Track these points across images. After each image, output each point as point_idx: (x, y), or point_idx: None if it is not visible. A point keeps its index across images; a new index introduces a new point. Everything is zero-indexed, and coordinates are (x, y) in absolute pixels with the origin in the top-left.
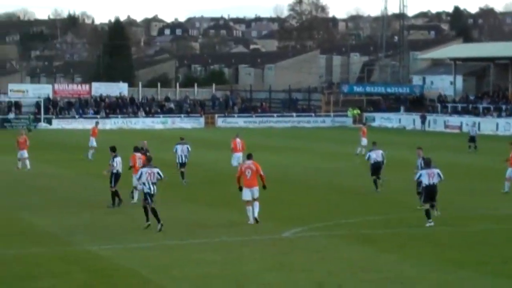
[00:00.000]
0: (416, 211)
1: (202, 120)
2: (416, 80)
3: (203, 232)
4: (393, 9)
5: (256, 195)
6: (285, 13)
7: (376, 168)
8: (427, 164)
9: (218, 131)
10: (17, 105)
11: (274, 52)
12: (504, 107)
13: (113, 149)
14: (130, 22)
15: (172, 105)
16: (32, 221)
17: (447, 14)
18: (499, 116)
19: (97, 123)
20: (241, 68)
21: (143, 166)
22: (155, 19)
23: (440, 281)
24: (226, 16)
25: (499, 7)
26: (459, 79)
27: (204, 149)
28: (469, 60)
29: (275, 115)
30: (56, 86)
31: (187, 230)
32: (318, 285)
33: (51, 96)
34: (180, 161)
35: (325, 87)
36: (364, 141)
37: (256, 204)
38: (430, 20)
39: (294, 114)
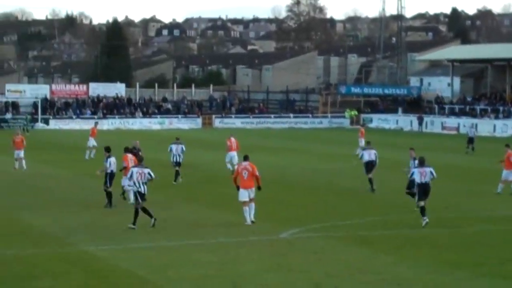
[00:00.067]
0: (413, 212)
1: (199, 120)
2: (414, 81)
3: (201, 232)
4: (391, 10)
5: (252, 195)
6: (283, 14)
7: (369, 166)
8: (421, 163)
9: (215, 131)
10: (15, 105)
11: (271, 53)
12: (501, 108)
13: (107, 149)
14: (128, 23)
15: (169, 106)
16: (31, 221)
17: (445, 15)
18: (497, 117)
19: (96, 123)
20: (239, 68)
21: (134, 165)
22: (153, 19)
23: (437, 282)
24: (224, 17)
25: (497, 9)
26: (457, 81)
27: (201, 149)
28: (466, 61)
29: (272, 116)
30: (53, 86)
31: (184, 230)
32: (315, 286)
33: (48, 97)
34: (175, 160)
35: (322, 88)
36: (363, 142)
37: (252, 205)
38: (428, 22)
39: (292, 115)
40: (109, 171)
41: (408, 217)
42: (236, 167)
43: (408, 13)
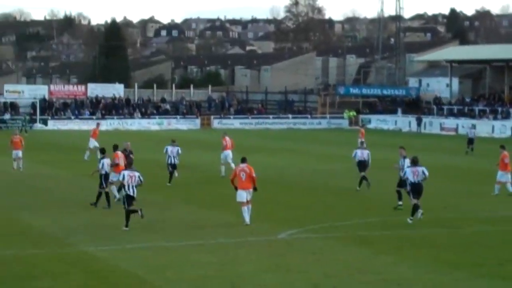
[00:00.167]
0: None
1: (198, 121)
2: (412, 82)
3: (199, 233)
4: (390, 11)
5: (250, 197)
6: (281, 14)
7: (361, 166)
8: (414, 162)
9: (214, 132)
10: (13, 106)
11: (270, 54)
12: (500, 109)
13: (102, 151)
14: (127, 23)
15: (168, 106)
16: (30, 221)
17: (444, 16)
18: (495, 118)
19: (98, 124)
20: (237, 69)
21: (125, 168)
22: (151, 20)
23: (436, 282)
24: (222, 18)
25: (495, 10)
26: (455, 82)
27: (200, 150)
28: (465, 62)
29: (271, 116)
30: (52, 87)
31: (183, 231)
32: (313, 286)
33: (47, 97)
34: (170, 162)
35: (321, 89)
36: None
37: (249, 207)
38: (427, 22)
39: (290, 115)
40: (103, 172)
41: (407, 217)
42: (232, 165)
43: (407, 14)
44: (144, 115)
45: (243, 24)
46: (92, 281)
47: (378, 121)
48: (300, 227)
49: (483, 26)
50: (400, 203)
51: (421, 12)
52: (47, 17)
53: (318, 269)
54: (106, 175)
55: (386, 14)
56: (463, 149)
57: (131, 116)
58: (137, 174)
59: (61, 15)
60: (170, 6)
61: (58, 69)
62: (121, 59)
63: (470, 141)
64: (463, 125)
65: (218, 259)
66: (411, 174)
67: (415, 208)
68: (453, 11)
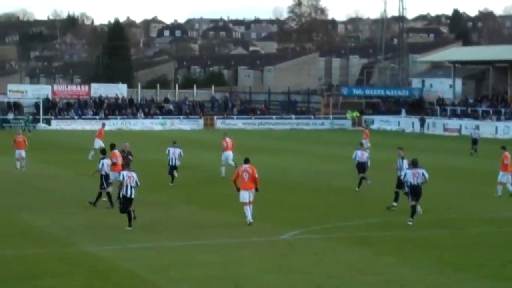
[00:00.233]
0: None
1: (201, 121)
2: (415, 83)
3: (202, 233)
4: (393, 11)
5: (252, 198)
6: (284, 15)
7: (360, 167)
8: (414, 164)
9: (217, 132)
10: (16, 106)
11: (273, 54)
12: (503, 110)
13: (102, 151)
14: (130, 23)
15: (171, 107)
16: (32, 221)
17: (447, 17)
18: (498, 119)
19: (103, 124)
20: (240, 69)
21: (123, 169)
22: (155, 20)
23: (439, 283)
24: (225, 18)
25: (498, 10)
26: (458, 82)
27: (203, 150)
28: (468, 63)
29: (274, 117)
30: (55, 86)
31: (185, 231)
32: (316, 287)
33: (50, 97)
34: (172, 163)
35: (324, 89)
36: (366, 143)
37: (251, 207)
38: (430, 23)
39: (293, 116)
40: (102, 172)
41: (407, 219)
42: (232, 163)
43: (410, 15)
44: (147, 115)
45: (246, 24)
46: (94, 281)
47: (381, 122)
48: (303, 228)
49: (486, 27)
50: (395, 204)
51: (424, 13)
52: (50, 17)
53: (321, 270)
54: (107, 176)
55: (389, 15)
56: (466, 150)
57: (134, 116)
58: (134, 175)
59: (64, 15)
60: (173, 6)
61: (61, 69)
62: (124, 59)
63: (474, 141)
64: (466, 126)
65: (221, 259)
66: (411, 176)
67: (414, 209)
68: (456, 12)
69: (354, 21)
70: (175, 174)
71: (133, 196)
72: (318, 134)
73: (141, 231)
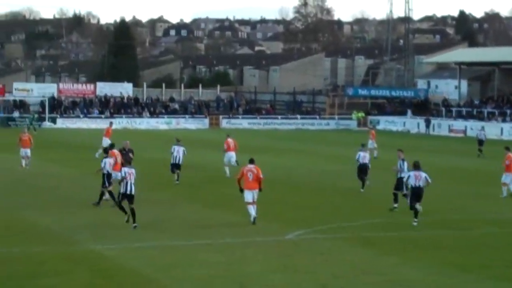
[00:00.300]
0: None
1: (206, 121)
2: (421, 84)
3: (206, 232)
4: (399, 12)
5: (256, 197)
6: (290, 15)
7: (362, 169)
8: (416, 167)
9: (222, 132)
10: (22, 104)
11: (279, 54)
12: (508, 111)
13: (105, 150)
14: (136, 23)
15: (176, 106)
16: (35, 220)
17: (453, 18)
18: (504, 120)
19: (111, 123)
20: (246, 69)
21: (124, 166)
22: (161, 19)
23: (442, 284)
24: (231, 18)
25: (504, 12)
26: (464, 84)
27: (208, 150)
28: (474, 64)
29: (279, 117)
30: (61, 85)
31: (190, 230)
32: (321, 287)
33: (55, 95)
34: (175, 161)
35: (329, 89)
36: (372, 144)
37: (254, 206)
38: (436, 24)
39: (299, 116)
40: (105, 171)
41: (411, 220)
42: (234, 163)
43: (416, 16)
44: (153, 114)
45: (252, 24)
46: (98, 280)
47: (386, 123)
48: (308, 228)
49: (492, 28)
50: (396, 205)
51: (430, 14)
52: (56, 16)
53: (326, 270)
54: (109, 175)
55: (395, 16)
56: (472, 151)
57: (139, 115)
58: (134, 171)
59: (70, 14)
60: (179, 5)
61: (67, 68)
62: (130, 58)
63: (480, 143)
64: (472, 127)
65: (225, 258)
66: (413, 178)
67: (415, 210)
68: (462, 13)
69: (360, 22)
70: (178, 172)
71: (133, 193)
72: (324, 135)
73: (146, 230)
